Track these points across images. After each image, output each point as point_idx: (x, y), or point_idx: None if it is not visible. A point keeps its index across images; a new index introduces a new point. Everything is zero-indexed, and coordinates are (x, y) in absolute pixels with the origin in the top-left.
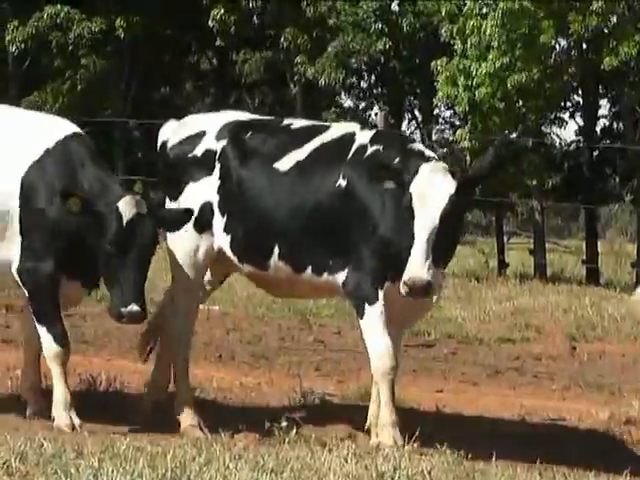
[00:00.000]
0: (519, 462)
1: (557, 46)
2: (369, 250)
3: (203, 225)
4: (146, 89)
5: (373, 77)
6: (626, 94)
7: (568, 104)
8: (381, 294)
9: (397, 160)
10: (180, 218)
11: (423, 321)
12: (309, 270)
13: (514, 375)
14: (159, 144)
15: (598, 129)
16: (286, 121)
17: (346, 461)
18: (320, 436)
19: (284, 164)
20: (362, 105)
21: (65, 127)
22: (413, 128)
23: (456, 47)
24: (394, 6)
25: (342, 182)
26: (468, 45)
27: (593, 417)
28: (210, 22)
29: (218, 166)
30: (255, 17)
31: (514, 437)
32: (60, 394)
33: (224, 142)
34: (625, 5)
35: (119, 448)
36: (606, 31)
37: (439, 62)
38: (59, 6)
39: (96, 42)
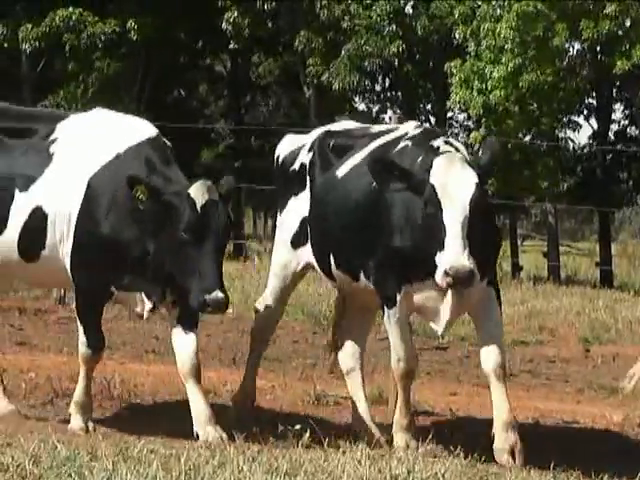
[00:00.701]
0: (533, 465)
1: (570, 49)
2: (388, 252)
3: (300, 240)
4: (160, 92)
5: (387, 80)
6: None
7: (582, 107)
8: (399, 297)
9: (419, 158)
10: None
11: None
12: (362, 276)
13: (528, 378)
14: (275, 158)
15: (612, 132)
16: (371, 128)
17: (360, 464)
18: (334, 439)
19: (342, 171)
20: (376, 108)
21: (140, 130)
22: None
23: (470, 50)
24: (408, 9)
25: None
26: (482, 48)
27: (607, 420)
28: (224, 25)
29: (308, 179)
30: (269, 20)
31: (528, 440)
32: (78, 396)
33: (311, 154)
34: (639, 8)
35: (133, 451)
36: (619, 34)
37: (453, 65)
38: (72, 8)
39: (110, 44)
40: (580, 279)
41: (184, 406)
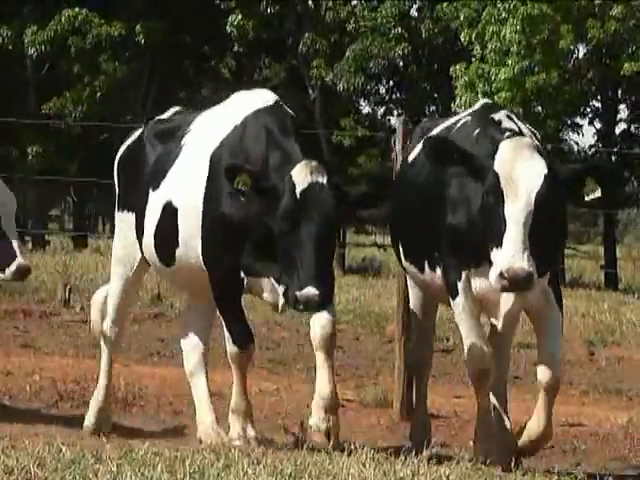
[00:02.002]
0: (538, 468)
1: (576, 51)
2: (446, 236)
3: None
4: (165, 94)
5: (392, 82)
6: None
7: (587, 109)
8: (461, 285)
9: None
10: (367, 198)
11: (442, 326)
12: (427, 267)
13: (533, 380)
14: None
15: (617, 134)
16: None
17: (364, 466)
18: (338, 441)
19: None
20: (381, 110)
21: (259, 100)
22: None
23: (475, 52)
24: (413, 11)
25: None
26: (487, 50)
27: (612, 422)
28: (228, 27)
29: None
30: (274, 22)
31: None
32: (235, 402)
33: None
34: None
35: (138, 453)
36: (625, 36)
37: (458, 67)
38: (77, 9)
39: (115, 47)
40: (585, 282)
41: (189, 409)
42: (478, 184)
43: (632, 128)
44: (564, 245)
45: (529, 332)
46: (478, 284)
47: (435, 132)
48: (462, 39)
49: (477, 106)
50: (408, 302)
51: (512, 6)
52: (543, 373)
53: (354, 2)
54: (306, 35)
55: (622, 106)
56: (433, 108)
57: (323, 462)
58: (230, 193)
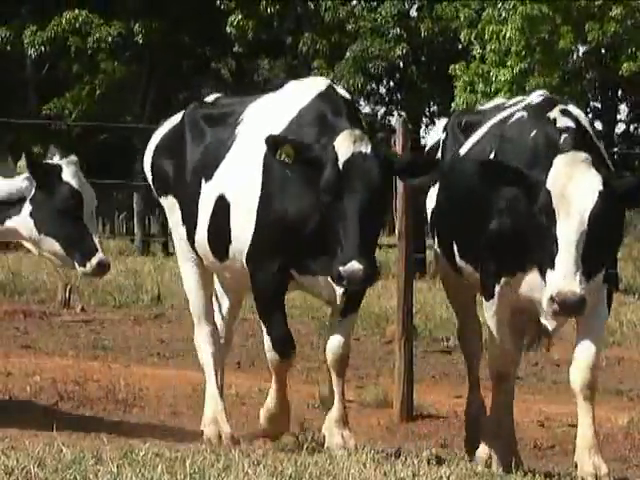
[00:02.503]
0: (539, 468)
1: (576, 52)
2: (492, 243)
3: None
4: (165, 94)
5: (391, 82)
6: None
7: (587, 110)
8: (498, 289)
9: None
10: (415, 166)
11: (442, 327)
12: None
13: (533, 381)
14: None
15: (617, 134)
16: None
17: (365, 467)
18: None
19: (464, 150)
20: (381, 111)
21: (313, 89)
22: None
23: (475, 52)
24: (412, 11)
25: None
26: (487, 50)
27: (612, 423)
28: (228, 28)
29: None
30: (273, 22)
31: (533, 443)
32: (269, 409)
33: (444, 135)
34: None
35: (138, 454)
36: (625, 37)
37: (458, 67)
38: (77, 10)
39: (115, 47)
40: None
41: (189, 409)
42: (530, 199)
43: (632, 128)
44: (619, 244)
45: None
46: (524, 288)
47: (487, 126)
48: (462, 39)
49: (534, 98)
50: (407, 303)
51: (512, 6)
52: (578, 378)
53: (354, 2)
54: (306, 35)
55: (622, 106)
56: (434, 109)
57: (324, 463)
58: (284, 189)
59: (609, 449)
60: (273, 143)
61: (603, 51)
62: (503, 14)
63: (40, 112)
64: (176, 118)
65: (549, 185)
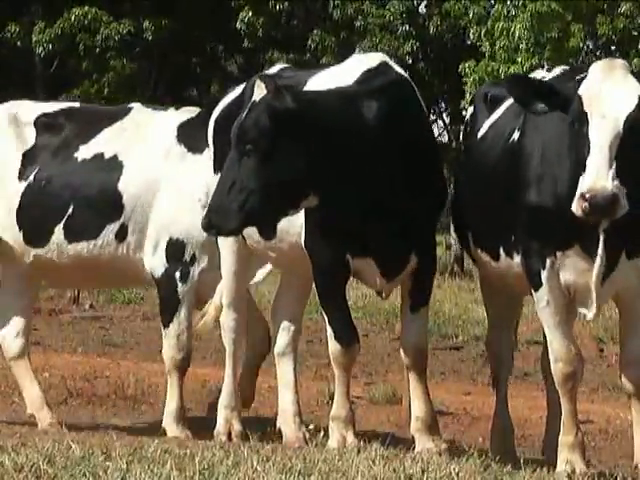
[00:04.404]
0: (547, 464)
1: (586, 48)
2: (529, 220)
3: None
4: (174, 91)
5: None
6: None
7: None
8: (545, 274)
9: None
10: None
11: (451, 324)
12: (502, 254)
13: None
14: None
15: None
16: None
17: (374, 463)
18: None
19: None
20: None
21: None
22: (441, 130)
23: (484, 49)
24: (421, 8)
25: (516, 135)
26: (496, 48)
27: (621, 419)
28: (238, 24)
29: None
30: (283, 19)
31: (543, 439)
32: (336, 408)
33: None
34: None
35: (147, 451)
36: (635, 33)
37: (467, 64)
38: (86, 7)
39: (124, 44)
40: None
41: (197, 405)
42: (566, 148)
43: None
44: None
45: (538, 329)
46: (566, 271)
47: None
48: (471, 36)
49: (557, 70)
50: None
51: (521, 3)
52: (630, 377)
53: None
54: (315, 32)
55: None
56: (442, 105)
57: (333, 459)
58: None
59: (618, 446)
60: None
61: (613, 48)
62: (512, 11)
63: None
64: (237, 90)
65: (581, 91)
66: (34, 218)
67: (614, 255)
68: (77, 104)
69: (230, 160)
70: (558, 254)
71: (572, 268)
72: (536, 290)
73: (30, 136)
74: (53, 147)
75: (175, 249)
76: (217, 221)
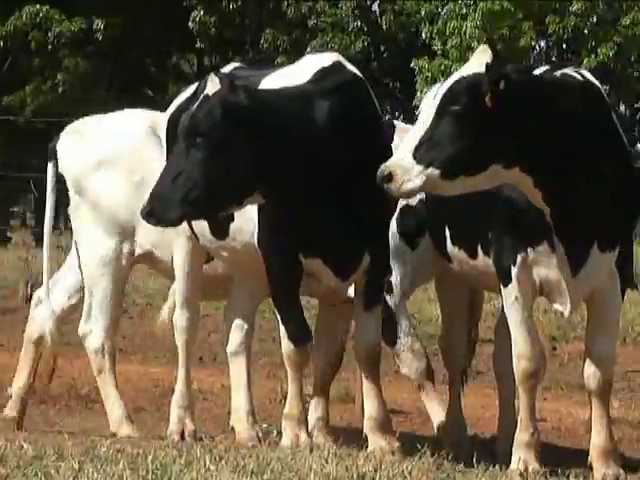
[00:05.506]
0: (500, 463)
1: (537, 47)
2: (501, 215)
3: None
4: (127, 91)
5: None
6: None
7: None
8: (515, 271)
9: None
10: None
11: None
12: (480, 252)
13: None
14: None
15: None
16: None
17: (327, 462)
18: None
19: None
20: None
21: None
22: None
23: (436, 48)
24: (374, 7)
25: None
26: (448, 46)
27: (574, 417)
28: (190, 24)
29: None
30: (235, 18)
31: (495, 438)
32: (288, 406)
33: None
34: (604, 6)
35: (100, 450)
36: (585, 32)
37: (420, 62)
38: (38, 6)
39: (77, 42)
40: None
41: (150, 405)
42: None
43: None
44: (636, 220)
45: (490, 328)
46: (539, 267)
47: None
48: (423, 35)
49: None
50: None
51: (472, 2)
52: (592, 376)
53: None
54: (267, 31)
55: None
56: (396, 104)
57: (286, 458)
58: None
59: (570, 443)
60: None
61: (564, 46)
62: (464, 9)
63: (0, 106)
64: (191, 89)
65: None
66: None
67: (582, 249)
68: None
69: (177, 150)
70: (529, 250)
71: (544, 264)
72: (505, 286)
73: None
74: None
75: None
76: (158, 210)
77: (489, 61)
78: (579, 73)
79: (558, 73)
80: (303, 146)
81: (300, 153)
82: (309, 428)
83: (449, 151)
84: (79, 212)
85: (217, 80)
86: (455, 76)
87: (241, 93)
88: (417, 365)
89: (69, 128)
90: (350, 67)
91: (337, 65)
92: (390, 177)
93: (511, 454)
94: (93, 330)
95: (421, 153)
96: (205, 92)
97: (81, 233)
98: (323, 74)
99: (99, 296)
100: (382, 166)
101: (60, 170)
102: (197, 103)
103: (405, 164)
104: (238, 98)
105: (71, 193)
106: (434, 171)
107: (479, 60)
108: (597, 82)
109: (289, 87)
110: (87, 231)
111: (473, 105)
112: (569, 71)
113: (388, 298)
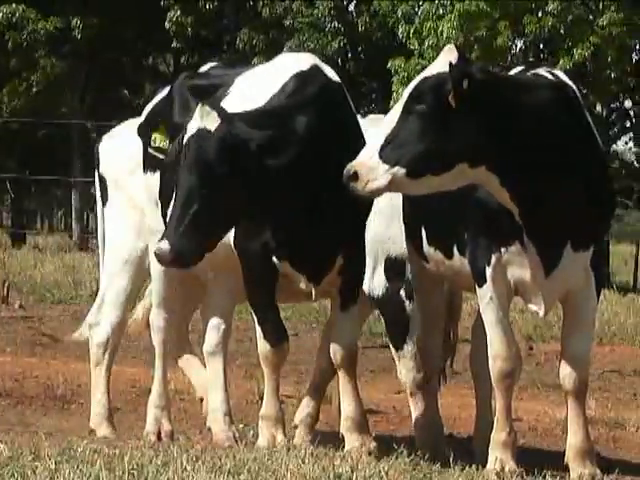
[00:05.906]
0: (476, 463)
1: (514, 47)
2: (475, 215)
3: None
4: (104, 91)
5: None
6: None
7: None
8: (489, 272)
9: None
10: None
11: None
12: (456, 252)
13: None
14: None
15: None
16: None
17: (303, 462)
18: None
19: None
20: None
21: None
22: None
23: (413, 48)
24: (351, 7)
25: None
26: (425, 46)
27: (550, 417)
28: (167, 24)
29: None
30: (212, 18)
31: (472, 438)
32: (264, 407)
33: None
34: (581, 6)
35: (76, 451)
36: (562, 32)
37: (396, 62)
38: (14, 5)
39: (53, 42)
40: None
41: (127, 405)
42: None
43: None
44: (610, 212)
45: (468, 328)
46: (513, 267)
47: None
48: (400, 35)
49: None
50: None
51: (449, 2)
52: (568, 376)
53: None
54: (243, 31)
55: None
56: (373, 105)
57: (262, 458)
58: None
59: (547, 443)
60: (142, 130)
61: (540, 46)
62: (440, 10)
63: None
64: (166, 90)
65: None
66: None
67: (555, 249)
68: None
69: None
70: (502, 250)
71: (518, 264)
72: (480, 286)
73: None
74: None
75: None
76: (179, 258)
77: (453, 61)
78: (552, 73)
79: (530, 73)
80: (282, 159)
81: (279, 165)
82: (296, 422)
83: (414, 150)
84: (113, 210)
85: (208, 111)
86: (420, 76)
87: (240, 124)
88: (415, 375)
89: (112, 131)
90: (327, 71)
91: (314, 70)
92: (355, 176)
93: (488, 454)
94: (101, 323)
95: (387, 152)
96: (201, 123)
97: (112, 230)
98: (301, 81)
99: (114, 292)
100: (348, 165)
101: (100, 172)
102: (192, 132)
103: (370, 163)
104: (238, 130)
105: (110, 193)
106: (400, 170)
107: (445, 60)
108: (570, 82)
109: (267, 106)
110: (118, 230)
111: (437, 104)
112: (541, 71)
113: (407, 304)
